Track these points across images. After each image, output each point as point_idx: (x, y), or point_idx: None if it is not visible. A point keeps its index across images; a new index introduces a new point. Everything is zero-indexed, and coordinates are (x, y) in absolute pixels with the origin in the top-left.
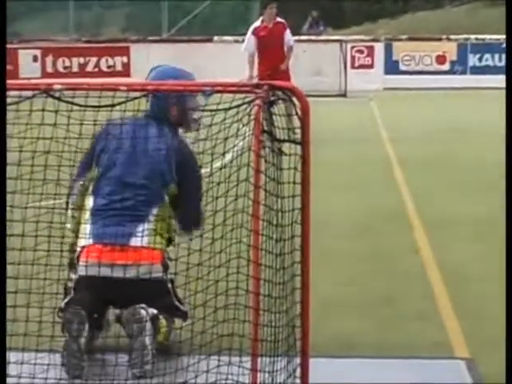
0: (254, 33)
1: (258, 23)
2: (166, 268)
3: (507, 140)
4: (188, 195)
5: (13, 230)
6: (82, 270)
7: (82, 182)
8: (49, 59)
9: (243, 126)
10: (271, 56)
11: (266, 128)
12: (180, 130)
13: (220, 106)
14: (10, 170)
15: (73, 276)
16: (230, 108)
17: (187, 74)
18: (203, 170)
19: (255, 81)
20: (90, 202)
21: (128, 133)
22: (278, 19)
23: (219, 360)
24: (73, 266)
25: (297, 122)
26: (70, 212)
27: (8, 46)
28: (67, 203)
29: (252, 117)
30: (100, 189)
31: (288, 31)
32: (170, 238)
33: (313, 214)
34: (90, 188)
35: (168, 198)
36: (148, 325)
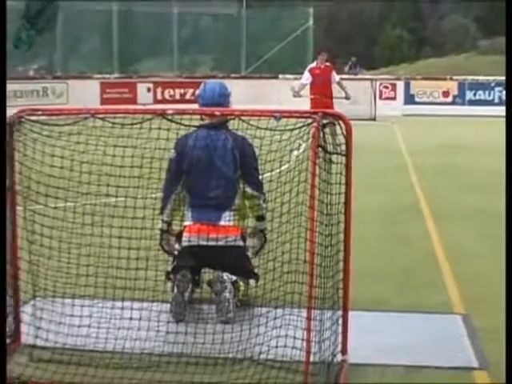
0: (310, 71)
1: (313, 64)
2: (244, 240)
3: (507, 145)
4: (251, 173)
5: (136, 214)
6: (185, 242)
7: (175, 197)
8: (159, 90)
9: (303, 142)
10: (321, 87)
11: (320, 143)
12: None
13: (287, 127)
14: (134, 171)
15: (177, 247)
16: (294, 129)
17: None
18: (274, 173)
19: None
20: (187, 199)
21: (205, 143)
22: (327, 63)
23: (284, 310)
24: (178, 239)
25: (342, 139)
26: (164, 218)
27: (129, 80)
28: (162, 209)
29: (310, 135)
30: (193, 191)
31: (334, 72)
32: (244, 216)
33: (352, 206)
34: (185, 192)
35: (238, 181)
36: (229, 285)
